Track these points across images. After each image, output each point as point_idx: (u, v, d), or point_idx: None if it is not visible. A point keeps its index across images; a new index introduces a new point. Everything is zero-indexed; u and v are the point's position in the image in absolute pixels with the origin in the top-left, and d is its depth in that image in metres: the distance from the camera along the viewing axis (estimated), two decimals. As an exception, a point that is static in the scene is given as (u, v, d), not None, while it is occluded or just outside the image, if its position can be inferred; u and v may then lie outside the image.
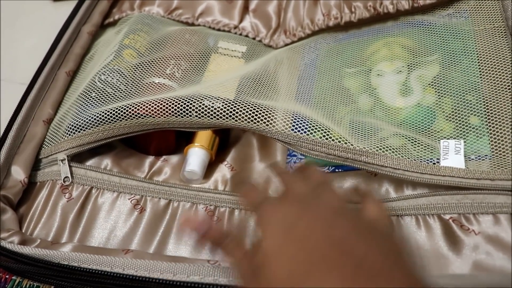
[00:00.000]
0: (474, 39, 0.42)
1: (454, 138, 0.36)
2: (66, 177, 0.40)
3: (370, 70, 0.43)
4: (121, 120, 0.39)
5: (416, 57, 0.42)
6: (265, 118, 0.37)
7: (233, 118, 0.37)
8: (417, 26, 0.45)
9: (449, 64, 0.41)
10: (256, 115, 0.37)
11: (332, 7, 0.48)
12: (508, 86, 0.37)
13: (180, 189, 0.41)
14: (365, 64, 0.44)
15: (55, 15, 0.59)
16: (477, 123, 0.37)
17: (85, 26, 0.51)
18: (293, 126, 0.37)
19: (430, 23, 0.45)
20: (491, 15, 0.42)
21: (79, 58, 0.49)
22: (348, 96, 0.42)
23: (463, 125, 0.37)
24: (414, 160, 0.35)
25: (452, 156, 0.35)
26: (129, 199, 0.40)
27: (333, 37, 0.48)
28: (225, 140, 0.45)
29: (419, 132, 0.37)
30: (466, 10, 0.44)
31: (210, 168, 0.42)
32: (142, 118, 0.39)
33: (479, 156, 0.35)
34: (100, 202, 0.40)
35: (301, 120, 0.37)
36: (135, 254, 0.33)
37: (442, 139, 0.36)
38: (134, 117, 0.39)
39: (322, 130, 0.37)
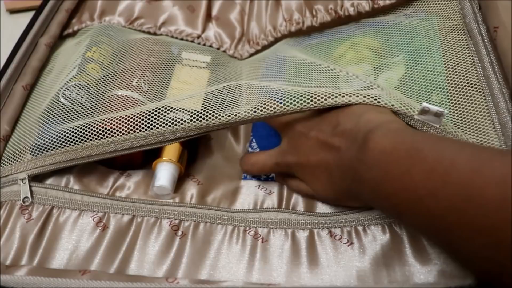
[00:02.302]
0: (437, 37, 0.42)
1: None
2: (25, 197, 0.39)
3: (338, 76, 0.43)
4: (88, 139, 0.38)
5: (382, 59, 0.43)
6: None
7: (202, 128, 0.37)
8: (381, 26, 0.46)
9: (414, 64, 0.41)
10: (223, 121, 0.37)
11: (293, 11, 0.48)
12: (467, 83, 0.38)
13: (144, 204, 0.39)
14: (333, 69, 0.43)
15: (12, 26, 0.57)
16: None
17: (42, 37, 0.50)
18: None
19: (393, 23, 0.45)
20: (449, 13, 0.43)
21: (36, 71, 0.47)
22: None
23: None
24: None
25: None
26: (91, 216, 0.39)
27: (297, 42, 0.48)
28: (193, 153, 0.44)
29: None
30: (424, 9, 0.44)
31: (179, 181, 0.42)
32: (110, 137, 0.38)
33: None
34: (62, 221, 0.39)
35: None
36: (92, 275, 0.31)
37: None
38: (102, 135, 0.38)
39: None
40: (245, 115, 0.36)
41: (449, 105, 0.38)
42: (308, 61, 0.43)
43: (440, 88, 0.39)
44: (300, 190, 0.40)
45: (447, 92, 0.39)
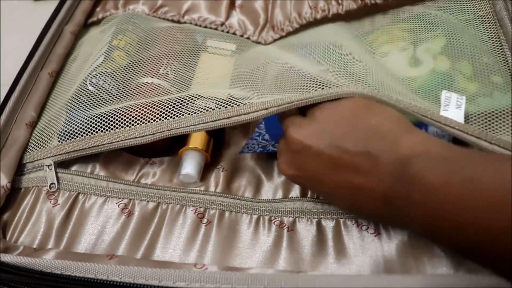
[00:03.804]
0: (470, 14, 0.42)
1: (477, 96, 0.36)
2: (52, 183, 0.39)
3: (374, 54, 0.42)
4: (115, 126, 0.38)
5: (419, 35, 0.42)
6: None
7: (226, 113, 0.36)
8: (411, 14, 0.45)
9: (455, 35, 0.40)
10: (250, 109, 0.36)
11: (319, 0, 0.47)
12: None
13: (169, 191, 0.39)
14: (367, 49, 0.42)
15: (37, 14, 0.58)
16: (500, 81, 0.36)
17: (67, 25, 0.50)
18: None
19: (422, 12, 0.44)
20: (479, 2, 0.42)
21: (62, 58, 0.48)
22: (356, 78, 0.39)
23: (488, 83, 0.36)
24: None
25: (453, 110, 0.34)
26: (116, 203, 0.39)
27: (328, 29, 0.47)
28: (219, 141, 0.44)
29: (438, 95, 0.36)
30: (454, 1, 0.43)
31: (204, 170, 0.41)
32: (136, 124, 0.38)
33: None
34: (87, 207, 0.39)
35: None
36: (120, 259, 0.32)
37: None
38: (128, 122, 0.38)
39: None
40: (267, 105, 0.35)
41: (505, 65, 0.37)
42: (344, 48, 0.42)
43: (488, 51, 0.38)
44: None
45: (497, 55, 0.38)
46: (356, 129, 0.31)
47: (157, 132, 0.37)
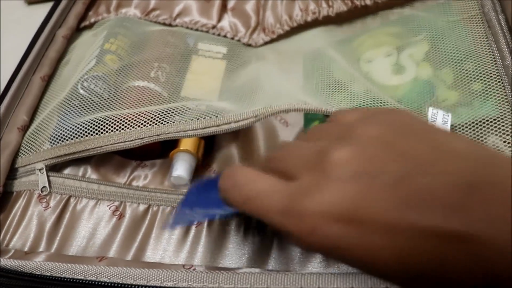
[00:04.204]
0: (456, 26, 0.42)
1: (457, 106, 0.36)
2: (44, 187, 0.39)
3: (359, 59, 0.42)
4: (106, 131, 0.38)
5: (403, 40, 0.42)
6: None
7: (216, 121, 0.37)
8: (399, 16, 0.45)
9: (438, 40, 0.41)
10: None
11: (309, 2, 0.47)
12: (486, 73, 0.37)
13: (160, 193, 0.40)
14: (352, 55, 0.43)
15: (29, 18, 0.58)
16: (480, 88, 0.36)
17: (60, 29, 0.50)
18: None
19: (411, 14, 0.44)
20: (467, 3, 0.42)
21: (54, 62, 0.48)
22: (341, 85, 0.40)
23: (468, 91, 0.36)
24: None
25: (439, 126, 0.34)
26: (108, 205, 0.39)
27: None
28: (210, 143, 0.44)
29: (420, 106, 0.37)
30: (442, 2, 0.44)
31: (195, 172, 0.41)
32: (126, 128, 0.38)
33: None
34: (79, 210, 0.39)
35: None
36: (109, 261, 0.32)
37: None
38: (118, 126, 0.38)
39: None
40: (257, 113, 0.35)
41: (485, 71, 0.37)
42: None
43: (470, 56, 0.38)
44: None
45: (478, 59, 0.38)
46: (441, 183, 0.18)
47: (146, 137, 0.37)
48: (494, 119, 0.34)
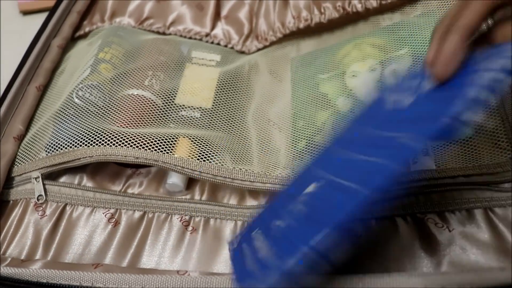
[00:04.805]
0: None
1: None
2: (40, 195, 0.40)
3: (344, 72, 0.43)
4: (102, 144, 0.38)
5: (387, 53, 0.42)
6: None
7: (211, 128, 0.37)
8: (390, 23, 0.46)
9: (420, 55, 0.41)
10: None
11: (302, 9, 0.48)
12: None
13: (155, 200, 0.40)
14: (338, 67, 0.44)
15: (24, 28, 0.58)
16: None
17: (55, 39, 0.51)
18: None
19: (398, 21, 0.45)
20: None
21: (49, 72, 0.48)
22: (326, 101, 0.42)
23: None
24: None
25: (422, 157, 0.35)
26: (103, 213, 0.39)
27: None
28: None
29: None
30: (432, 9, 0.44)
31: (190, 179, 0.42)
32: (125, 146, 0.38)
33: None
34: (75, 218, 0.39)
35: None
36: (105, 268, 0.32)
37: None
38: (116, 144, 0.38)
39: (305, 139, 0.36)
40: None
41: None
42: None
43: None
44: None
45: None
46: None
47: (142, 158, 0.38)
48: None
